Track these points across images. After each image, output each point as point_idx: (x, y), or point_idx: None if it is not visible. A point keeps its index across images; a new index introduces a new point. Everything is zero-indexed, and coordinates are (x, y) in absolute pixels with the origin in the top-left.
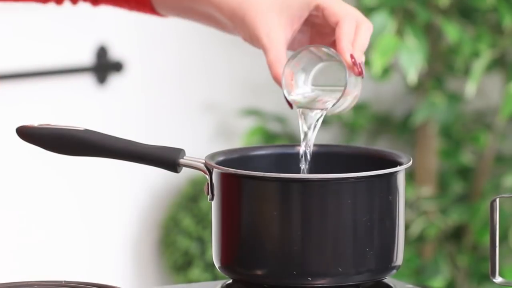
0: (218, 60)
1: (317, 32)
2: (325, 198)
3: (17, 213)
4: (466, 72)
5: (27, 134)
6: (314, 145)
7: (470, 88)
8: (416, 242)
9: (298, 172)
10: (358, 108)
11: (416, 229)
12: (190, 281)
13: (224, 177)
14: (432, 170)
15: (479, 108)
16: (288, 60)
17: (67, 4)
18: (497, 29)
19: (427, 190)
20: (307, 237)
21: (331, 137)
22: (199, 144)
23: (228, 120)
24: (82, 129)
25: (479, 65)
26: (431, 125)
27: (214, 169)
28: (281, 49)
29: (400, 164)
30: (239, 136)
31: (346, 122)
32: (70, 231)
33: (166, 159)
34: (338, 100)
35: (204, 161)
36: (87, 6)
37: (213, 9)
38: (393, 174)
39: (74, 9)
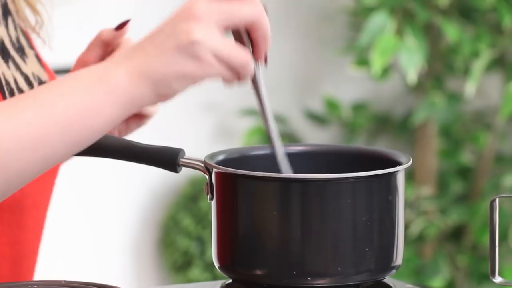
0: None
1: None
2: (325, 198)
3: None
4: (466, 72)
5: None
6: (314, 145)
7: (469, 88)
8: (415, 242)
9: (298, 172)
10: (358, 108)
11: (415, 229)
12: (189, 281)
13: (224, 177)
14: (432, 170)
15: (478, 108)
16: None
17: None
18: (497, 29)
19: (426, 190)
20: (307, 237)
21: (331, 137)
22: (199, 144)
23: (228, 120)
24: None
25: (478, 65)
26: (431, 125)
27: (214, 169)
28: None
29: (400, 164)
30: (238, 136)
31: (346, 122)
32: (69, 230)
33: (166, 159)
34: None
35: (203, 161)
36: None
37: None
38: (393, 174)
39: (74, 9)
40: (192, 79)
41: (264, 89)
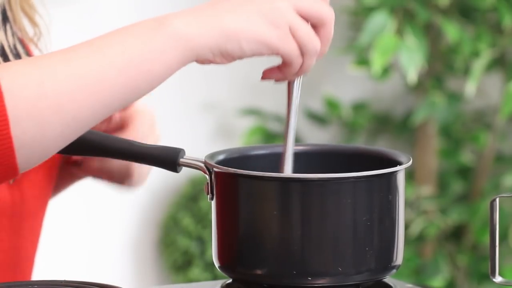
0: None
1: None
2: (325, 198)
3: None
4: (466, 71)
5: None
6: (314, 144)
7: (470, 87)
8: (416, 241)
9: (298, 172)
10: (358, 107)
11: (416, 228)
12: (190, 280)
13: (224, 176)
14: (432, 170)
15: (479, 107)
16: None
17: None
18: (497, 29)
19: (427, 189)
20: (307, 237)
21: (331, 137)
22: (199, 144)
23: (228, 120)
24: None
25: (479, 65)
26: (431, 125)
27: (214, 169)
28: None
29: (400, 163)
30: (239, 135)
31: (346, 122)
32: (69, 230)
33: (166, 159)
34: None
35: (204, 160)
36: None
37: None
38: (393, 174)
39: (74, 9)
40: (263, 46)
41: (299, 91)
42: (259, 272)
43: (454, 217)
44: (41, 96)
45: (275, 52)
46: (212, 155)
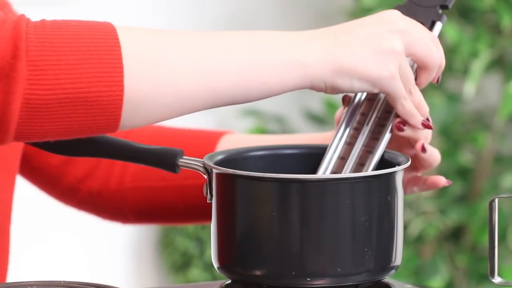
0: None
1: None
2: (324, 198)
3: (16, 214)
4: (465, 72)
5: None
6: (313, 145)
7: (469, 88)
8: (415, 242)
9: (297, 173)
10: None
11: (415, 229)
12: (189, 281)
13: (223, 177)
14: (431, 170)
15: (478, 108)
16: None
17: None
18: (496, 29)
19: None
20: (306, 238)
21: None
22: None
23: (228, 120)
24: None
25: (478, 65)
26: None
27: (213, 170)
28: None
29: (399, 164)
30: None
31: None
32: (69, 231)
33: (165, 159)
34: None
35: (203, 161)
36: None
37: None
38: (392, 174)
39: (76, 11)
40: (373, 86)
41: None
42: (258, 272)
43: (453, 218)
44: (160, 63)
45: (382, 92)
46: (211, 156)
